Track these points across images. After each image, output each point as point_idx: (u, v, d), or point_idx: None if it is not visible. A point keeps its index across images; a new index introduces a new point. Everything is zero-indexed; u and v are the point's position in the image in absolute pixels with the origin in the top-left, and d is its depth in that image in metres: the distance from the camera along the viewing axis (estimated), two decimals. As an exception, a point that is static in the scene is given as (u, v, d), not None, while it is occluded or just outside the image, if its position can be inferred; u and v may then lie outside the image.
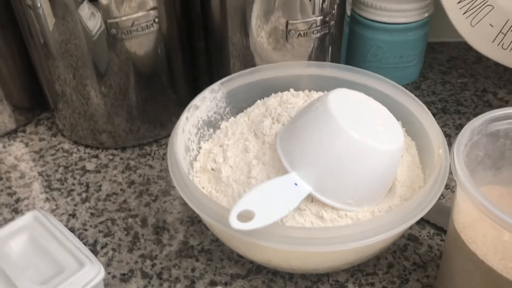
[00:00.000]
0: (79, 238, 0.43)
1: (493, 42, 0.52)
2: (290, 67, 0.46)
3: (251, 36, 0.49)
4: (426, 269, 0.40)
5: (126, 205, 0.46)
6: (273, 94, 0.46)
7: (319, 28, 0.47)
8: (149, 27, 0.46)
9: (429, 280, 0.39)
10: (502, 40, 0.52)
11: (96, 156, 0.52)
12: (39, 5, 0.44)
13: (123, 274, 0.40)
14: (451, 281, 0.34)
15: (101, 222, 0.45)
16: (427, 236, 0.43)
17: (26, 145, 0.53)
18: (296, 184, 0.35)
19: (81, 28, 0.45)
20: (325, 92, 0.46)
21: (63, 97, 0.51)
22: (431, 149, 0.39)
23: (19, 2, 0.46)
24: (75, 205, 0.46)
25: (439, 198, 0.35)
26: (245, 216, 0.32)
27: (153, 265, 0.41)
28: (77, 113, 0.51)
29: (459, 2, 0.51)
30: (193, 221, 0.45)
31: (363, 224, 0.32)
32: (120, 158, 0.52)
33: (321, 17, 0.47)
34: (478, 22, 0.52)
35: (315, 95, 0.45)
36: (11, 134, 0.55)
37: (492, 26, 0.52)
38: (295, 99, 0.43)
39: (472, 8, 0.51)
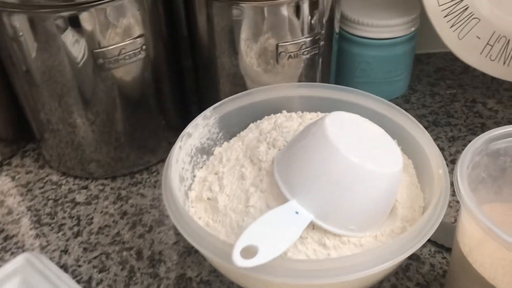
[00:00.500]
0: (72, 275, 0.42)
1: (481, 54, 0.53)
2: (281, 89, 0.46)
3: (240, 57, 0.48)
4: (431, 290, 0.40)
5: (119, 238, 0.45)
6: (266, 117, 0.45)
7: (309, 49, 0.47)
8: (137, 54, 0.45)
9: (434, 301, 0.39)
10: (489, 51, 0.52)
11: (86, 187, 0.50)
12: (20, 33, 0.43)
13: (121, 312, 0.39)
14: (459, 304, 0.33)
15: (94, 257, 0.43)
16: (429, 254, 0.42)
17: (13, 178, 0.52)
18: (297, 212, 0.34)
19: (65, 55, 0.44)
20: (318, 113, 0.45)
21: (49, 127, 0.50)
22: (429, 167, 0.38)
23: None
24: (67, 240, 0.45)
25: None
26: (247, 250, 0.31)
27: (151, 301, 0.40)
28: (64, 143, 0.50)
29: (446, 16, 0.51)
30: (190, 251, 0.43)
31: (367, 253, 0.31)
32: (111, 188, 0.50)
33: (311, 37, 0.46)
34: (465, 35, 0.52)
35: (308, 115, 0.45)
36: (-4, 168, 0.53)
37: (479, 38, 0.52)
38: (290, 123, 0.43)
39: (459, 21, 0.51)
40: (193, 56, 0.53)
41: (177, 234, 0.45)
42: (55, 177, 0.52)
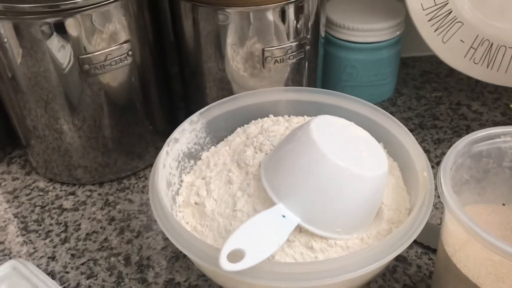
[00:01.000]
0: (60, 282, 0.42)
1: (464, 57, 0.53)
2: (268, 93, 0.46)
3: (226, 62, 0.48)
4: (417, 291, 0.40)
5: (107, 244, 0.45)
6: (253, 121, 0.46)
7: (295, 53, 0.47)
8: (123, 60, 0.45)
9: (421, 302, 0.39)
10: (473, 55, 0.53)
11: (73, 193, 0.50)
12: (5, 40, 0.43)
13: (109, 318, 0.39)
14: (444, 304, 0.34)
15: (82, 263, 0.43)
16: (415, 255, 0.43)
17: (-1, 185, 0.52)
18: (284, 216, 0.35)
19: (50, 61, 0.44)
20: (305, 116, 0.46)
21: (35, 133, 0.49)
22: (414, 170, 0.39)
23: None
24: (54, 246, 0.45)
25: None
26: (234, 254, 0.31)
27: (139, 306, 0.40)
28: (50, 149, 0.50)
29: (430, 20, 0.52)
30: (178, 256, 0.43)
31: (354, 256, 0.32)
32: (98, 194, 0.50)
33: (297, 42, 0.47)
34: (449, 39, 0.53)
35: (295, 119, 0.45)
36: (-18, 175, 0.53)
37: (463, 41, 0.53)
38: (276, 127, 0.43)
39: (443, 25, 0.52)
40: (180, 62, 0.53)
41: (165, 239, 0.45)
42: (42, 184, 0.52)
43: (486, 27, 0.52)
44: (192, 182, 0.42)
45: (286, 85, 0.50)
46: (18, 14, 0.41)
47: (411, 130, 0.46)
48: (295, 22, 0.46)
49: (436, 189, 0.34)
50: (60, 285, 0.40)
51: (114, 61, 0.45)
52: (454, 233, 0.31)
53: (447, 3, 0.51)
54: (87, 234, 0.46)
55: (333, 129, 0.37)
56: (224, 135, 0.46)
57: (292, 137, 0.37)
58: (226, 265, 0.29)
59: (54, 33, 0.42)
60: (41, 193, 0.50)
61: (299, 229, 0.36)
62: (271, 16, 0.45)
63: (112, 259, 0.43)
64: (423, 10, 0.51)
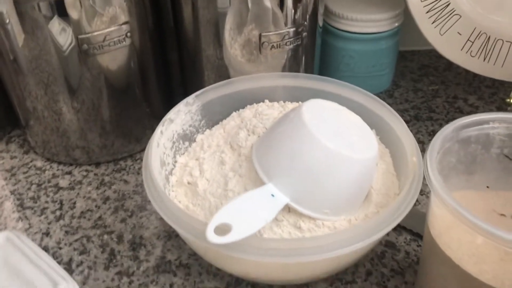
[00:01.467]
0: (53, 257, 0.42)
1: (461, 50, 0.54)
2: (264, 78, 0.47)
3: (224, 48, 0.49)
4: (404, 275, 0.40)
5: (101, 222, 0.46)
6: (248, 106, 0.46)
7: (292, 39, 0.48)
8: (121, 41, 0.46)
9: (408, 286, 0.40)
10: (470, 47, 0.53)
11: (70, 173, 0.51)
12: (7, 21, 0.43)
13: (100, 293, 0.40)
14: (428, 286, 0.34)
15: (76, 240, 0.44)
16: (404, 242, 0.43)
17: (-3, 163, 0.52)
18: (273, 195, 0.35)
19: (51, 44, 0.44)
20: (300, 102, 0.46)
21: (35, 114, 0.50)
22: (405, 156, 0.39)
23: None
24: (49, 223, 0.45)
25: (415, 204, 0.35)
26: (222, 229, 0.31)
27: (130, 282, 0.40)
28: (49, 130, 0.51)
29: (427, 12, 0.52)
30: (171, 235, 0.44)
31: (340, 234, 0.32)
32: (94, 174, 0.51)
33: (294, 28, 0.47)
34: (446, 31, 0.53)
35: (290, 105, 0.46)
36: (-19, 153, 0.53)
37: (460, 34, 0.53)
38: (270, 111, 0.43)
39: (440, 17, 0.52)
40: (179, 48, 0.53)
41: (159, 219, 0.46)
42: (39, 163, 0.52)
43: (484, 20, 0.52)
44: (186, 163, 0.43)
45: (283, 72, 0.50)
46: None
47: (406, 122, 0.46)
48: (292, 9, 0.47)
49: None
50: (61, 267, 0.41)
51: (113, 41, 0.45)
52: (439, 216, 0.32)
53: (445, -5, 0.51)
54: (82, 212, 0.47)
55: (325, 113, 0.38)
56: (219, 118, 0.46)
57: (284, 120, 0.38)
58: (213, 237, 0.30)
59: (55, 14, 0.42)
60: (38, 172, 0.51)
61: (288, 209, 0.36)
62: (269, 2, 0.45)
63: (105, 236, 0.44)
64: (421, 1, 0.52)
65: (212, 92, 0.45)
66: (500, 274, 0.29)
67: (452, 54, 0.54)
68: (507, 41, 0.52)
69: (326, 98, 0.40)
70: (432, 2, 0.52)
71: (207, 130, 0.45)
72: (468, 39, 0.53)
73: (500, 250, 0.29)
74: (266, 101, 0.46)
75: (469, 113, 0.58)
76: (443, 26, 0.53)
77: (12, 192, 0.49)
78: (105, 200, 0.48)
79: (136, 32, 0.47)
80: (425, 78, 0.64)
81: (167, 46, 0.55)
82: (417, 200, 0.47)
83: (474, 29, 0.52)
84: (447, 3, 0.52)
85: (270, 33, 0.46)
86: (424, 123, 0.57)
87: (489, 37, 0.52)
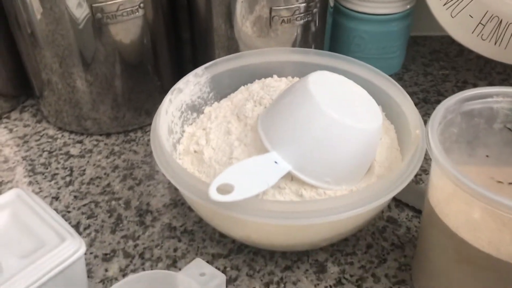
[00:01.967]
0: (62, 220, 0.43)
1: (472, 33, 0.53)
2: (274, 53, 0.47)
3: (235, 24, 0.49)
4: (404, 249, 0.41)
5: (109, 189, 0.47)
6: (256, 80, 0.47)
7: (302, 15, 0.48)
8: (134, 12, 0.47)
9: (407, 260, 0.40)
10: (481, 31, 0.53)
11: (81, 142, 0.52)
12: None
13: (105, 254, 0.41)
14: (426, 256, 0.35)
15: (84, 205, 0.45)
16: (406, 218, 0.44)
17: (11, 131, 0.54)
18: (276, 162, 0.36)
19: (67, 16, 0.45)
20: (307, 77, 0.47)
21: (49, 85, 0.51)
22: (409, 132, 0.40)
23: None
24: (59, 188, 0.47)
25: (418, 183, 0.35)
26: (225, 190, 0.32)
27: (135, 246, 0.41)
28: (62, 100, 0.52)
29: (439, -7, 0.52)
30: (177, 204, 0.45)
31: (339, 199, 0.33)
32: (105, 144, 0.52)
33: (305, 4, 0.47)
34: (458, 13, 0.53)
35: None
36: (-5, 120, 0.55)
37: (471, 17, 0.53)
38: (278, 83, 0.44)
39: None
40: (191, 26, 0.54)
41: (166, 187, 0.47)
42: (51, 131, 0.53)
43: (496, 3, 0.51)
44: (193, 133, 0.44)
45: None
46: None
47: (415, 104, 0.46)
48: (304, -16, 0.47)
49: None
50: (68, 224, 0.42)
51: (126, 12, 0.46)
52: (439, 185, 0.32)
53: (458, -23, 0.51)
54: (91, 179, 0.48)
55: (330, 84, 0.38)
56: (227, 92, 0.47)
57: (290, 89, 0.38)
58: (215, 195, 0.31)
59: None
60: (50, 140, 0.52)
61: (291, 178, 0.37)
62: (281, -23, 0.46)
63: (113, 202, 0.45)
64: (434, -17, 0.52)
65: (221, 65, 0.46)
66: (496, 242, 0.29)
67: (463, 37, 0.54)
68: (519, 25, 0.52)
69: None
70: (445, -16, 0.52)
71: (215, 102, 0.46)
72: (479, 22, 0.53)
73: (498, 220, 0.29)
74: (275, 76, 0.47)
75: (478, 98, 0.58)
76: (454, 8, 0.53)
77: (24, 158, 0.50)
78: (114, 168, 0.49)
79: (149, 4, 0.48)
80: (435, 63, 0.64)
81: (180, 24, 0.56)
82: (421, 179, 0.47)
83: (486, 12, 0.52)
84: (460, -15, 0.52)
85: (281, 7, 0.47)
86: (432, 106, 0.57)
87: (501, 21, 0.52)
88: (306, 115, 0.36)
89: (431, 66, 0.63)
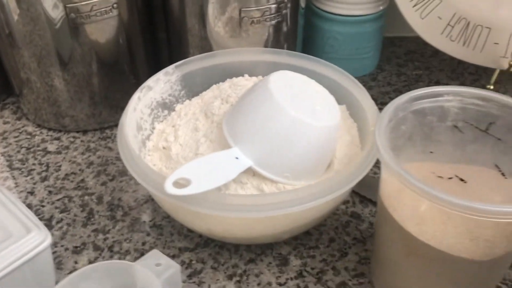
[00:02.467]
0: (36, 214, 0.45)
1: (441, 34, 0.55)
2: (245, 53, 0.48)
3: (208, 25, 0.51)
4: (365, 244, 0.42)
5: (83, 184, 0.48)
6: (228, 80, 0.48)
7: (272, 16, 0.49)
8: (108, 12, 0.48)
9: (367, 254, 0.41)
10: (450, 32, 0.54)
11: (58, 139, 0.53)
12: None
13: (76, 247, 0.42)
14: (380, 249, 0.36)
15: (58, 199, 0.46)
16: (369, 214, 0.45)
17: (-10, 127, 0.55)
18: (237, 158, 0.37)
19: (44, 17, 0.47)
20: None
21: (28, 84, 0.53)
22: (369, 128, 0.41)
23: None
24: (34, 183, 0.48)
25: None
26: (183, 185, 0.33)
27: (105, 239, 0.43)
28: (41, 99, 0.53)
29: (409, -5, 0.54)
30: (147, 199, 0.46)
31: (296, 192, 0.34)
32: (81, 141, 0.53)
33: (275, 5, 0.49)
34: (427, 15, 0.54)
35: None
36: (-24, 117, 0.56)
37: (440, 18, 0.54)
38: (245, 82, 0.45)
39: (421, 1, 0.54)
40: (167, 27, 0.55)
41: (138, 184, 0.48)
42: (30, 128, 0.55)
43: (464, 5, 0.53)
44: (163, 130, 0.45)
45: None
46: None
47: (386, 104, 0.47)
48: (273, -15, 0.48)
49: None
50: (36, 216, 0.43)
51: (100, 12, 0.47)
52: (388, 181, 0.33)
53: (426, -21, 0.53)
54: (66, 174, 0.49)
55: (291, 83, 0.39)
56: (200, 90, 0.48)
57: (253, 88, 0.40)
58: (171, 189, 0.32)
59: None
60: (28, 137, 0.54)
61: (253, 173, 0.38)
62: (251, -21, 0.47)
63: (86, 197, 0.46)
64: (403, -15, 0.53)
65: (192, 64, 0.47)
66: (439, 235, 0.31)
67: (433, 38, 0.55)
68: (486, 27, 0.53)
69: (303, 74, 0.42)
70: (414, -14, 0.53)
71: (187, 100, 0.47)
72: (448, 24, 0.54)
73: (443, 214, 0.30)
74: (246, 75, 0.48)
75: (449, 97, 0.59)
76: (424, 9, 0.54)
77: (2, 154, 0.51)
78: (89, 164, 0.50)
79: (124, 4, 0.49)
80: (410, 63, 0.65)
81: (157, 24, 0.57)
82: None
83: (454, 14, 0.54)
84: (428, -12, 0.53)
85: (251, 9, 0.48)
86: (403, 105, 0.58)
87: (468, 23, 0.53)
88: (266, 113, 0.37)
89: (405, 67, 0.65)
